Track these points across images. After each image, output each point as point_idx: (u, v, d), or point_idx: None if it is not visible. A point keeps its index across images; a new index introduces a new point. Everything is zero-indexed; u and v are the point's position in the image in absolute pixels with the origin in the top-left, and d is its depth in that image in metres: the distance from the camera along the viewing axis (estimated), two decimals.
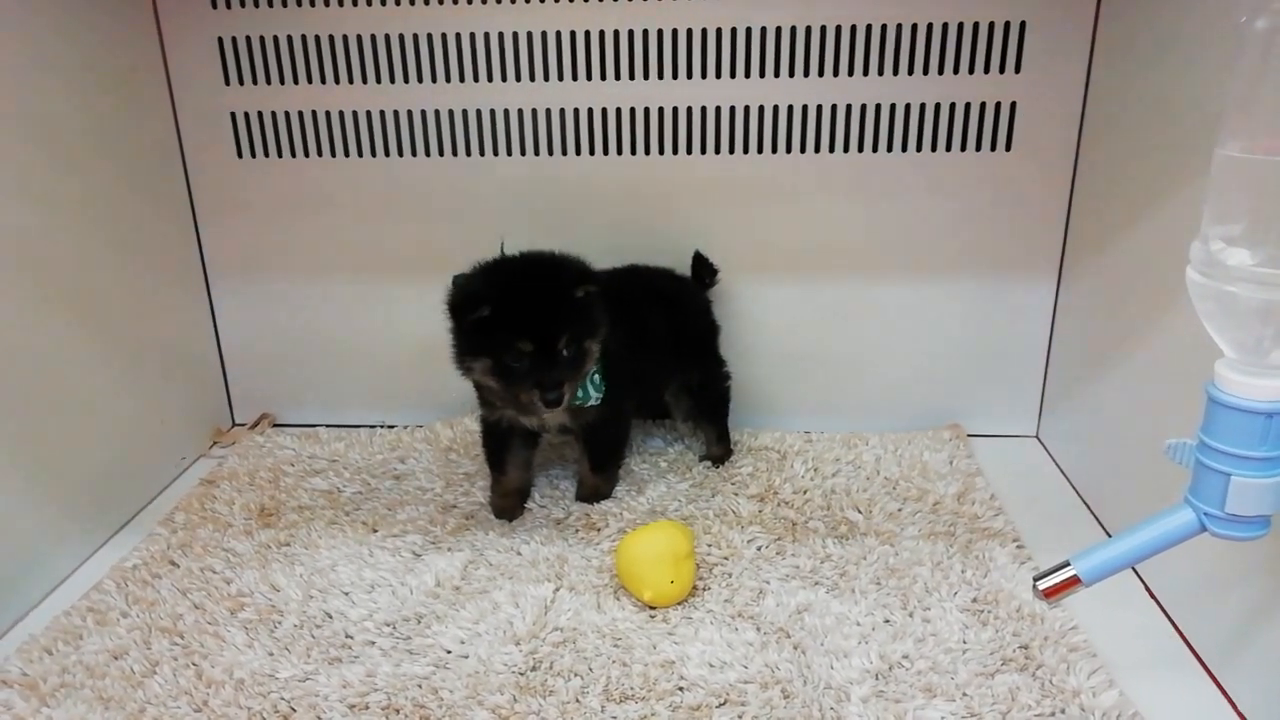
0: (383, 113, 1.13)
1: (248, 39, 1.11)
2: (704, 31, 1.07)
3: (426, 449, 1.18)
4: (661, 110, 1.11)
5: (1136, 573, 0.92)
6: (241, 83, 1.13)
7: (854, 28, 1.06)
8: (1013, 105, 1.08)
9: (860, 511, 1.02)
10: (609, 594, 0.89)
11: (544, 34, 1.08)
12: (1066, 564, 0.70)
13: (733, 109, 1.10)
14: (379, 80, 1.11)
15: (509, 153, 1.14)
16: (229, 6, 1.09)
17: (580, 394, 0.96)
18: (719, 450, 1.14)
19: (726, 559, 0.94)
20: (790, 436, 1.19)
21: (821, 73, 1.08)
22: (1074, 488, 1.10)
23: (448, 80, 1.11)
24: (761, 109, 1.10)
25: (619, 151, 1.13)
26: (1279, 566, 0.71)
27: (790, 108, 1.10)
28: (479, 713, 0.74)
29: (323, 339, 1.25)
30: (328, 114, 1.13)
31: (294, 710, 0.75)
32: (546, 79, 1.10)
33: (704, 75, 1.09)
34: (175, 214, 1.17)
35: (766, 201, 1.14)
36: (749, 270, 1.17)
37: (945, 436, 1.18)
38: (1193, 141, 0.83)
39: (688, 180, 1.13)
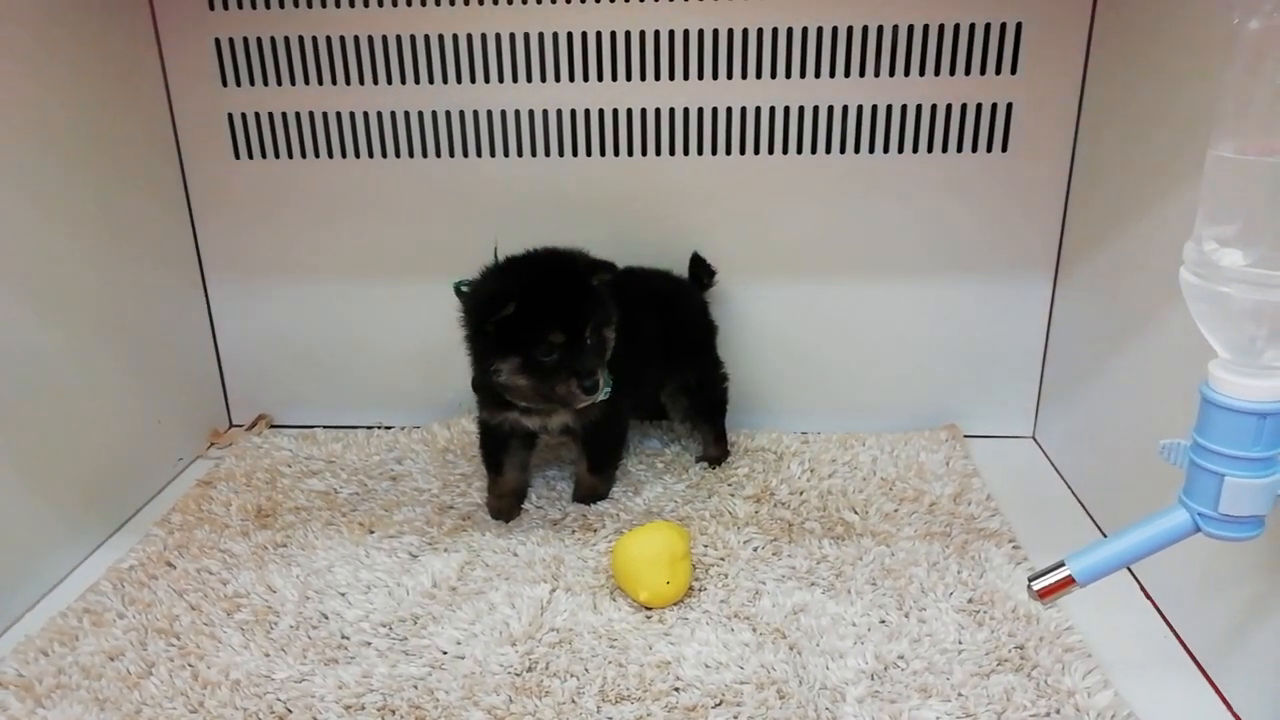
0: (380, 114, 1.13)
1: (245, 40, 1.11)
2: (700, 33, 1.07)
3: (423, 450, 1.18)
4: (659, 111, 1.11)
5: (1132, 573, 0.92)
6: (239, 84, 1.13)
7: (850, 29, 1.06)
8: (1009, 106, 1.08)
9: (856, 512, 1.02)
10: (605, 595, 0.89)
11: (540, 35, 1.08)
12: (1061, 564, 0.70)
13: (729, 110, 1.10)
14: (376, 81, 1.11)
15: (506, 154, 1.14)
16: (226, 8, 1.09)
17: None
18: (716, 451, 1.14)
19: (723, 560, 0.94)
20: (787, 437, 1.19)
21: (818, 74, 1.08)
22: (1070, 488, 1.11)
23: (444, 81, 1.11)
24: (758, 110, 1.10)
25: (616, 153, 1.13)
26: (1273, 566, 0.71)
27: (787, 109, 1.10)
28: (475, 713, 0.74)
29: (320, 340, 1.25)
30: (325, 115, 1.13)
31: (290, 711, 0.75)
32: (544, 80, 1.10)
33: (700, 77, 1.09)
34: (172, 215, 1.17)
35: (763, 202, 1.14)
36: (746, 271, 1.18)
37: (941, 437, 1.18)
38: (1188, 142, 0.83)
39: (685, 181, 1.13)
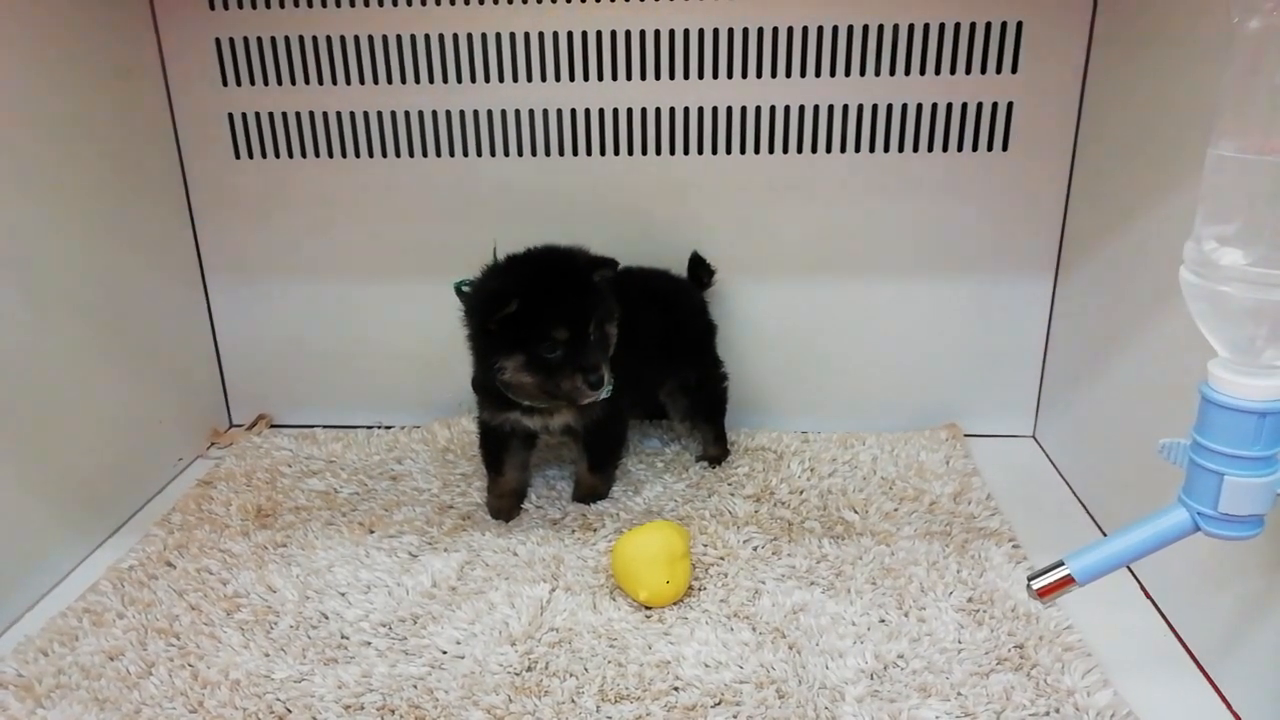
0: (380, 113, 1.13)
1: (245, 40, 1.11)
2: (700, 32, 1.07)
3: (423, 450, 1.18)
4: (659, 111, 1.11)
5: (1132, 572, 0.92)
6: (239, 83, 1.13)
7: (850, 28, 1.06)
8: (1009, 105, 1.08)
9: (856, 511, 1.02)
10: (605, 594, 0.89)
11: (540, 35, 1.08)
12: (1061, 563, 0.70)
13: (729, 109, 1.10)
14: (377, 81, 1.11)
15: (506, 153, 1.14)
16: (226, 7, 1.10)
17: None
18: (716, 450, 1.14)
19: (722, 559, 0.94)
20: (787, 436, 1.19)
21: (818, 73, 1.08)
22: (1070, 487, 1.10)
23: (444, 81, 1.11)
24: (758, 109, 1.10)
25: (616, 152, 1.13)
26: (1273, 565, 0.71)
27: (787, 108, 1.10)
28: (474, 713, 0.74)
29: (320, 340, 1.25)
30: (325, 115, 1.13)
31: (289, 711, 0.75)
32: (544, 80, 1.10)
33: (700, 76, 1.09)
34: (172, 214, 1.17)
35: (763, 202, 1.14)
36: (746, 270, 1.18)
37: (942, 436, 1.18)
38: (1188, 141, 0.83)
39: (685, 180, 1.13)
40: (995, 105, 1.08)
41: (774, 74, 1.08)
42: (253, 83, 1.13)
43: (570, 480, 1.09)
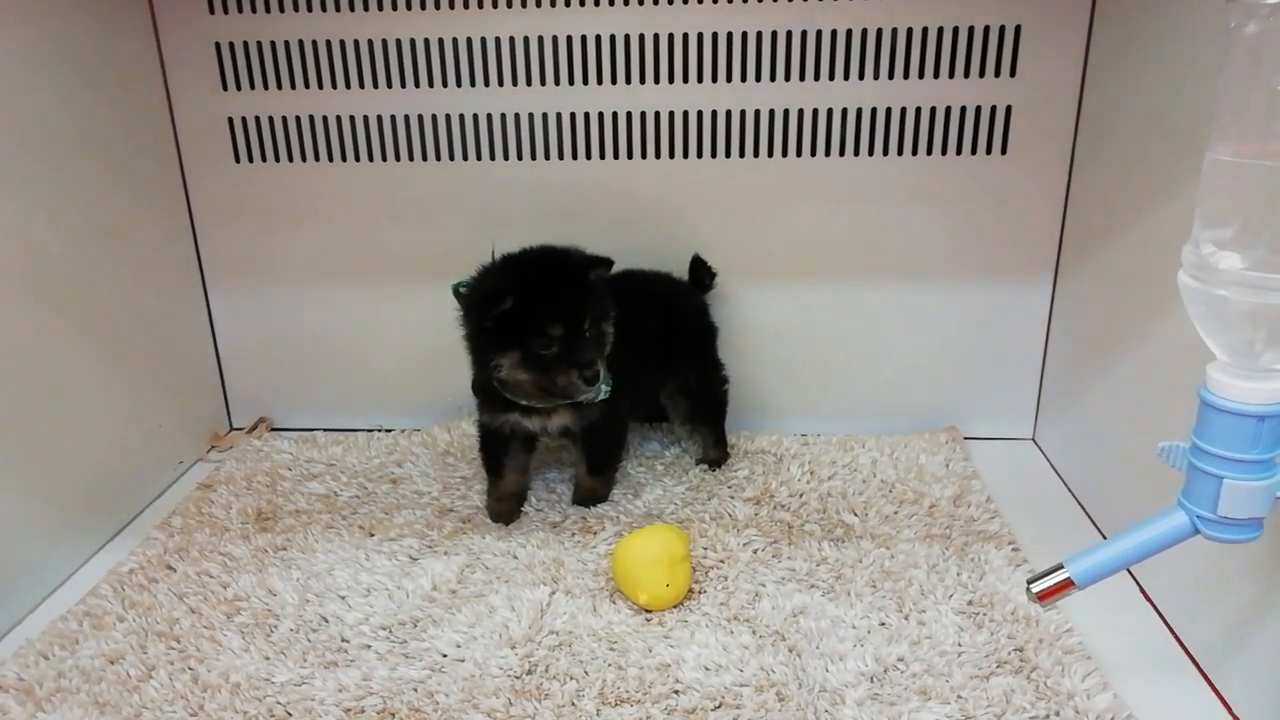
0: (380, 117, 1.13)
1: (245, 44, 1.11)
2: (699, 36, 1.07)
3: (424, 453, 1.18)
4: (659, 114, 1.11)
5: (1132, 575, 0.92)
6: (239, 88, 1.13)
7: (849, 32, 1.06)
8: (1008, 109, 1.08)
9: (856, 514, 1.02)
10: (605, 597, 0.89)
11: (541, 39, 1.08)
12: (1060, 567, 0.70)
13: (729, 113, 1.10)
14: (376, 85, 1.11)
15: (506, 157, 1.14)
16: (226, 11, 1.10)
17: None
18: (716, 453, 1.14)
19: (722, 562, 0.94)
20: (787, 439, 1.19)
21: (817, 77, 1.08)
22: (1070, 490, 1.11)
23: (445, 85, 1.11)
24: (758, 113, 1.10)
25: (617, 156, 1.13)
26: (1273, 568, 0.71)
27: (787, 111, 1.10)
28: (474, 716, 0.74)
29: (320, 343, 1.25)
30: (325, 119, 1.14)
31: (289, 714, 0.75)
32: (544, 83, 1.10)
33: (700, 80, 1.09)
34: (173, 219, 1.17)
35: (764, 205, 1.14)
36: (747, 273, 1.18)
37: (942, 439, 1.18)
38: (1187, 145, 0.83)
39: (685, 184, 1.14)
40: (994, 109, 1.08)
41: (774, 78, 1.08)
42: (253, 87, 1.13)
43: (570, 483, 1.09)
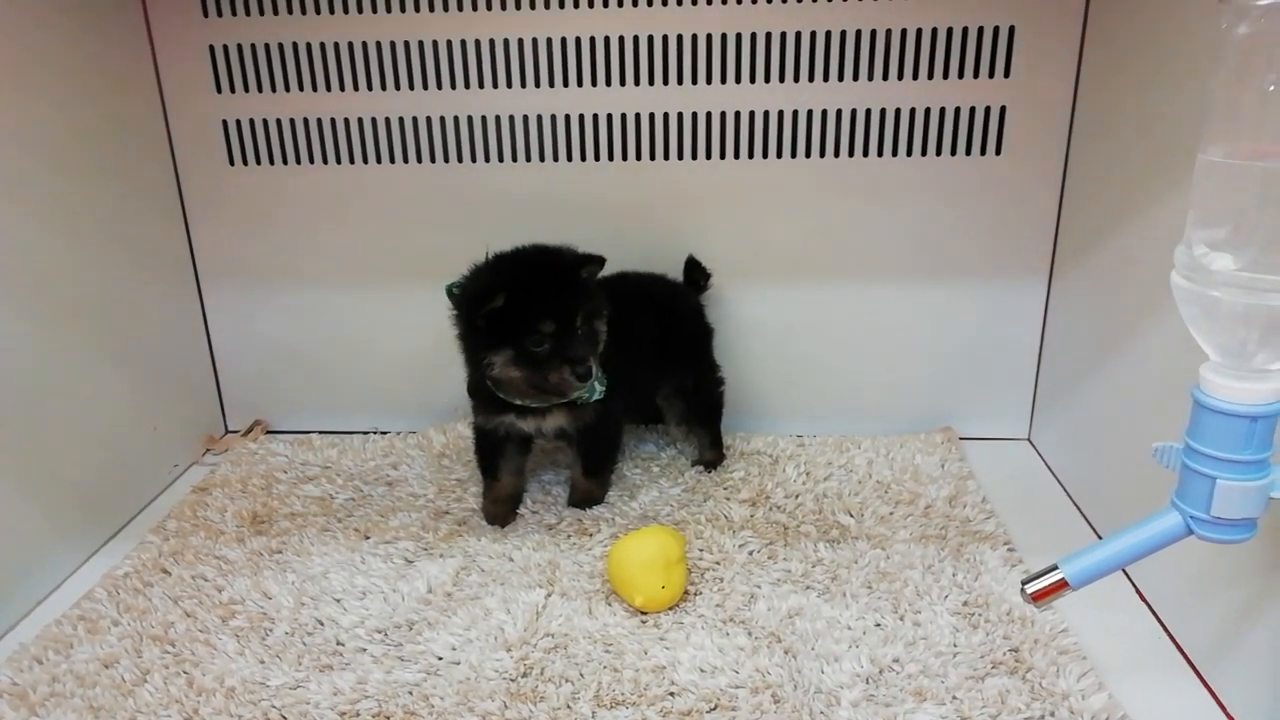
0: (374, 120, 1.13)
1: (239, 47, 1.11)
2: (695, 37, 1.07)
3: (419, 455, 1.18)
4: (653, 116, 1.11)
5: (1127, 575, 0.92)
6: (233, 90, 1.13)
7: (844, 33, 1.06)
8: (1002, 109, 1.08)
9: (852, 515, 1.02)
10: (600, 599, 0.89)
11: (534, 41, 1.08)
12: (1054, 567, 0.70)
13: (723, 114, 1.10)
14: (371, 87, 1.11)
15: (500, 159, 1.14)
16: (220, 14, 1.10)
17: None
18: (712, 455, 1.14)
19: (718, 564, 0.94)
20: (782, 440, 1.19)
21: (813, 78, 1.08)
22: (1065, 491, 1.11)
23: (439, 88, 1.11)
24: (753, 114, 1.10)
25: (610, 157, 1.13)
26: (1267, 568, 0.71)
27: (781, 113, 1.10)
28: (469, 719, 0.74)
29: (315, 346, 1.25)
30: (319, 121, 1.13)
31: (285, 718, 0.75)
32: (537, 86, 1.10)
33: (695, 81, 1.09)
34: (167, 222, 1.17)
35: (759, 206, 1.14)
36: (742, 274, 1.18)
37: (937, 440, 1.18)
38: (1180, 146, 0.84)
39: (680, 185, 1.14)
40: (988, 109, 1.09)
41: (768, 79, 1.09)
42: (247, 90, 1.13)
43: (565, 485, 1.09)
